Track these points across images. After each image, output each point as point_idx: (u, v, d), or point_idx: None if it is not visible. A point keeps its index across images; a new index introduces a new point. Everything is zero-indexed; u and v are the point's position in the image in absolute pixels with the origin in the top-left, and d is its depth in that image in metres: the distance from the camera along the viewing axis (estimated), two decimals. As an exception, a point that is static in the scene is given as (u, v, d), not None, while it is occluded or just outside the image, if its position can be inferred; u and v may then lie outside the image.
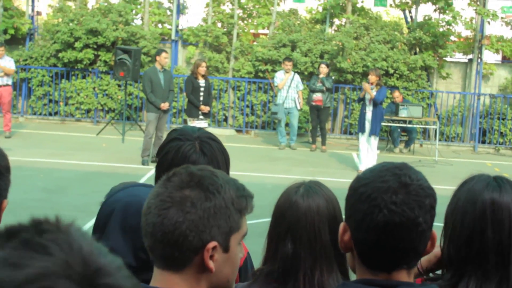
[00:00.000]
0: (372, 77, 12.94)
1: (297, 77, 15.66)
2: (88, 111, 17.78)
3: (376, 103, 12.95)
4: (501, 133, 17.55)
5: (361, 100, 13.13)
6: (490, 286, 1.96)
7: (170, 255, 1.57)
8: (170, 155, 2.26)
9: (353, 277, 1.80)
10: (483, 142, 17.65)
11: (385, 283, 1.59)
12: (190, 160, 2.22)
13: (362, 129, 13.03)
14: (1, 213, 1.99)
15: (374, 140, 13.08)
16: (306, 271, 2.25)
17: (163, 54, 13.01)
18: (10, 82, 14.91)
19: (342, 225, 1.67)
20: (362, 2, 18.25)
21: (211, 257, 1.57)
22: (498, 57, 19.80)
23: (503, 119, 17.54)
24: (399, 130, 16.17)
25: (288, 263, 2.28)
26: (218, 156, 2.31)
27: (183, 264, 1.57)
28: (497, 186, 2.01)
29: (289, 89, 15.44)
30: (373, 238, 1.58)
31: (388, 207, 1.55)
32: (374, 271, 1.61)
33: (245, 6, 18.53)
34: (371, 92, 12.84)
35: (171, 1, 18.51)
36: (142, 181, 10.65)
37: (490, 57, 19.06)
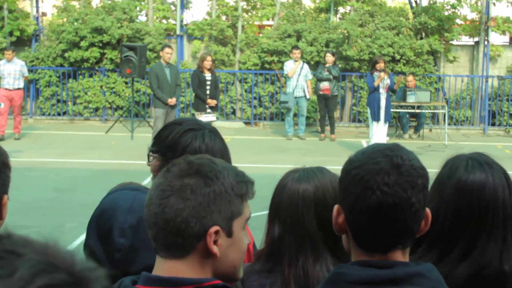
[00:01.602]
0: (382, 64, 13.13)
1: (306, 66, 15.65)
2: (96, 109, 17.84)
3: (393, 90, 13.57)
4: (511, 114, 17.48)
5: (376, 88, 13.14)
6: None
7: (174, 242, 1.59)
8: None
9: None
10: (493, 124, 17.58)
11: (381, 263, 1.59)
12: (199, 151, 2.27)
13: (377, 117, 13.05)
14: (2, 208, 2.01)
15: (386, 126, 13.26)
16: (291, 255, 2.25)
17: (166, 49, 13.02)
18: (21, 86, 14.99)
19: (336, 207, 1.67)
20: (366, -11, 18.20)
21: (215, 242, 1.59)
22: (505, 38, 19.69)
23: (512, 101, 17.47)
24: (407, 116, 16.12)
25: (275, 245, 2.29)
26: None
27: (187, 250, 1.60)
28: (472, 166, 2.13)
29: (298, 77, 15.43)
30: (367, 220, 1.58)
31: (380, 188, 1.55)
32: (369, 252, 1.62)
33: (249, -2, 18.52)
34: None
35: (175, -4, 18.51)
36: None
37: (496, 38, 18.96)
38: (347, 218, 1.64)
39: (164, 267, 1.62)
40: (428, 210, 1.65)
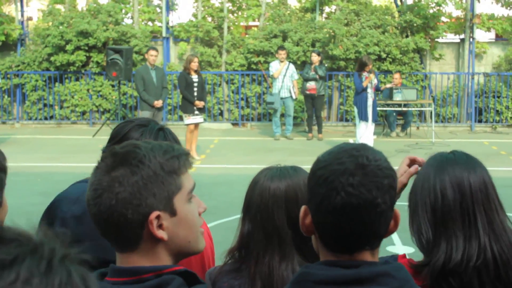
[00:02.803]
0: (371, 66, 13.34)
1: (291, 66, 15.64)
2: (83, 113, 17.79)
3: (378, 89, 13.68)
4: (497, 111, 17.55)
5: (364, 88, 13.17)
6: (458, 243, 2.05)
7: (120, 237, 1.59)
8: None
9: None
10: (480, 121, 17.65)
11: (347, 263, 1.57)
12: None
13: (365, 117, 13.08)
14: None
15: (373, 126, 13.33)
16: (258, 252, 2.25)
17: (150, 52, 13.00)
18: None
19: (303, 208, 1.65)
20: (351, -12, 18.23)
21: (160, 227, 1.58)
22: (490, 35, 19.76)
23: (498, 97, 17.54)
24: (394, 114, 16.16)
25: (244, 241, 2.30)
26: None
27: (136, 241, 1.59)
28: (452, 155, 2.17)
29: (284, 78, 15.42)
30: (333, 221, 1.56)
31: (345, 189, 1.53)
32: (336, 253, 1.60)
33: (234, -1, 18.52)
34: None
35: (160, -2, 18.50)
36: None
37: (482, 35, 19.03)
38: (313, 219, 1.61)
39: (123, 261, 1.62)
40: (397, 210, 1.62)
